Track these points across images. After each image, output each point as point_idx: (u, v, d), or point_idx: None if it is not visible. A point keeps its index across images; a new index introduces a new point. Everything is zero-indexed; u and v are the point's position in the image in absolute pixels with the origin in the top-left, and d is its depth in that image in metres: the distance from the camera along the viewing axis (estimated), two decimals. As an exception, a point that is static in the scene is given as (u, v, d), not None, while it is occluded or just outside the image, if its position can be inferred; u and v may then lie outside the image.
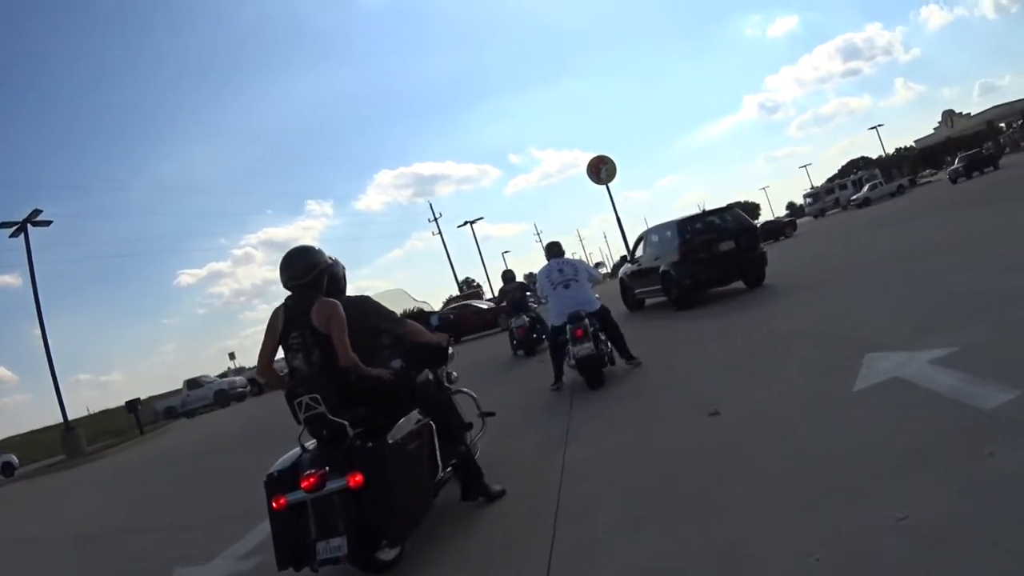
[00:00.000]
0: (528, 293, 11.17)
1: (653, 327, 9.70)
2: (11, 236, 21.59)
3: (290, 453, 3.07)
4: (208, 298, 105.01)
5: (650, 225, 12.81)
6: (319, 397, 2.87)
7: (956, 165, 36.38)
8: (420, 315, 4.34)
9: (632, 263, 12.78)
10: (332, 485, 2.73)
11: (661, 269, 11.01)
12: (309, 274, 3.17)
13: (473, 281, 76.70)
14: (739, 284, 11.12)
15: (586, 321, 6.09)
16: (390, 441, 2.98)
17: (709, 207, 11.49)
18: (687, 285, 10.47)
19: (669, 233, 11.27)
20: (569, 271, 6.58)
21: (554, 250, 6.98)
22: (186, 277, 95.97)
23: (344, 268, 3.63)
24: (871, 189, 43.71)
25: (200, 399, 30.13)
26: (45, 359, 21.08)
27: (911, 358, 3.87)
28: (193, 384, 31.32)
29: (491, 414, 4.41)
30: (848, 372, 3.96)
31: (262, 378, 4.01)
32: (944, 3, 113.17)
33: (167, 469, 11.14)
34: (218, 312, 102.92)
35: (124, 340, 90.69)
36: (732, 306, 9.35)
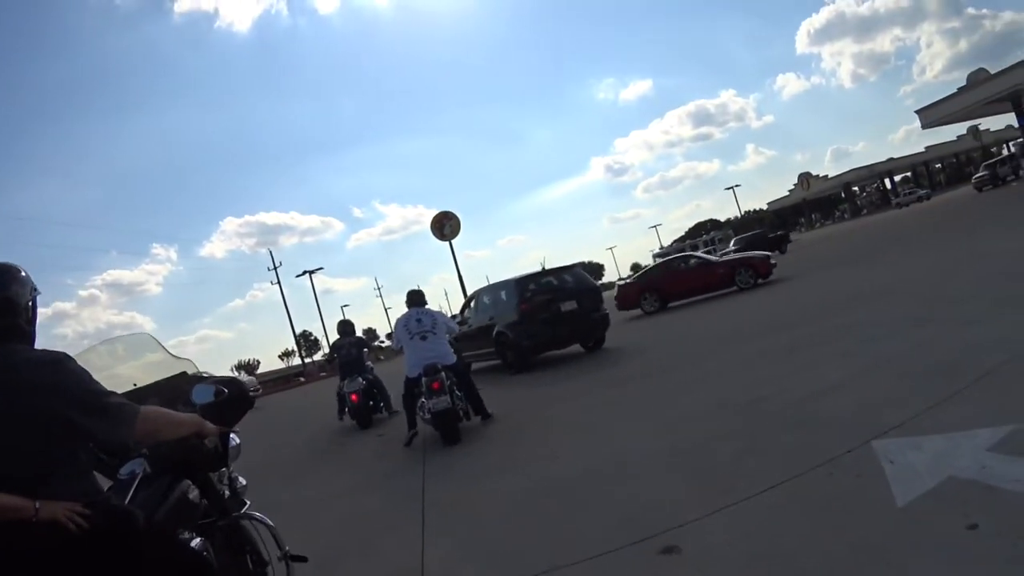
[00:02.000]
0: (366, 350, 9.89)
1: (506, 394, 8.07)
2: None
3: None
4: (51, 340, 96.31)
5: (492, 282, 12.72)
6: None
7: (731, 247, 31.29)
8: (180, 381, 2.69)
9: (461, 324, 12.23)
10: None
11: (496, 330, 10.69)
12: None
13: (310, 335, 75.84)
14: (576, 348, 11.05)
15: (442, 374, 6.17)
16: None
17: (551, 266, 11.58)
18: (525, 346, 10.25)
19: (505, 293, 11.08)
20: (428, 322, 6.60)
21: (415, 299, 6.97)
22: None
23: (33, 291, 2.01)
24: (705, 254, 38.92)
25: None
26: None
27: (954, 445, 2.74)
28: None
29: (300, 559, 2.68)
30: (862, 470, 2.77)
31: None
32: (801, 72, 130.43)
33: None
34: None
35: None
36: (589, 370, 8.54)
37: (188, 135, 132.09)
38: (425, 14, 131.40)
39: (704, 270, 15.90)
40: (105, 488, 2.09)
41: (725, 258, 18.25)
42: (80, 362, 1.98)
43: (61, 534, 1.68)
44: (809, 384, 4.47)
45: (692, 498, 3.02)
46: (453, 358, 6.55)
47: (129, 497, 2.05)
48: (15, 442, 1.74)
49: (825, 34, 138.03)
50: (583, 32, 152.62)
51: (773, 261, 15.22)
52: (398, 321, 6.81)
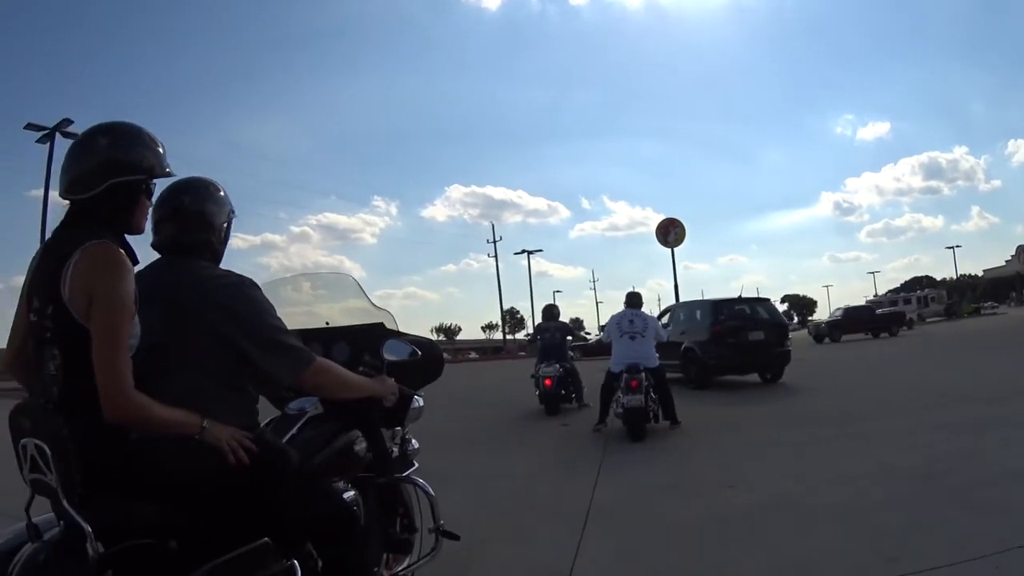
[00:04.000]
0: (569, 337, 10.17)
1: (688, 407, 8.06)
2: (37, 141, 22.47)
3: (16, 528, 1.55)
4: (255, 267, 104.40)
5: (703, 298, 13.75)
6: (50, 453, 1.44)
7: (828, 319, 32.40)
8: (374, 332, 2.59)
9: None
10: None
11: (684, 346, 11.62)
12: (101, 180, 1.58)
13: (517, 312, 77.75)
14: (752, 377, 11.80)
15: (643, 374, 6.75)
16: None
17: (763, 294, 12.99)
18: (711, 366, 11.27)
19: (700, 312, 12.19)
20: (639, 324, 7.24)
21: (632, 301, 7.67)
22: (238, 240, 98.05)
23: (231, 213, 2.01)
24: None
25: None
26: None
27: None
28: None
29: (452, 536, 2.59)
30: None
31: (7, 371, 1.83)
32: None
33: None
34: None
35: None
36: (767, 402, 8.97)
37: (423, 99, 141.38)
38: (674, 20, 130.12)
39: None
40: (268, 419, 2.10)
41: None
42: (271, 290, 2.00)
43: (217, 462, 1.58)
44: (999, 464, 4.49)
45: (855, 560, 3.09)
46: (656, 362, 7.14)
47: (291, 434, 2.01)
48: (182, 360, 1.72)
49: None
50: (826, 63, 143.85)
51: None
52: (612, 318, 7.65)
